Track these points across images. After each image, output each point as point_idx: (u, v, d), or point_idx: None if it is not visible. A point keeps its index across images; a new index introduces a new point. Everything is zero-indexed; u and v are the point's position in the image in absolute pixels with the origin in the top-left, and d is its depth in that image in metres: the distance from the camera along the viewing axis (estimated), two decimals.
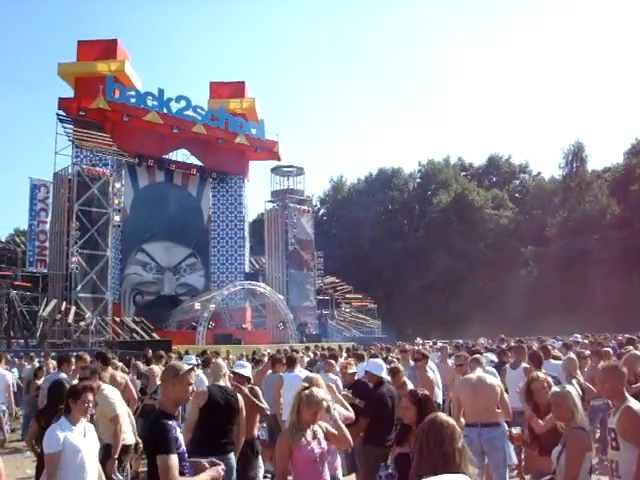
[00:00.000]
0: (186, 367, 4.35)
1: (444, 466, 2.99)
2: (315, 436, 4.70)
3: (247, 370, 7.76)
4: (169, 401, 4.29)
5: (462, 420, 7.30)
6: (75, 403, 5.06)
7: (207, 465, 4.29)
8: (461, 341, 28.44)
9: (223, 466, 4.36)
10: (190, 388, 4.32)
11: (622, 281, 51.29)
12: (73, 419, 5.08)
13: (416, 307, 62.71)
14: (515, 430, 5.74)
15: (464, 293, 61.49)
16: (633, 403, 5.01)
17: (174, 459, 3.99)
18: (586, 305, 50.90)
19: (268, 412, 7.74)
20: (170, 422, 4.12)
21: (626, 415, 4.81)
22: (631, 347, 10.19)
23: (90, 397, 5.14)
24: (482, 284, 63.26)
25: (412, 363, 10.39)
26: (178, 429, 4.19)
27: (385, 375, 7.60)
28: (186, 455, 4.21)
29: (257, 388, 7.82)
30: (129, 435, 7.57)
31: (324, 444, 4.74)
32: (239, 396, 6.68)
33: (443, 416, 3.27)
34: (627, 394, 5.20)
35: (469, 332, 45.61)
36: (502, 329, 39.58)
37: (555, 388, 5.05)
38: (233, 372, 7.57)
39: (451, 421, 3.17)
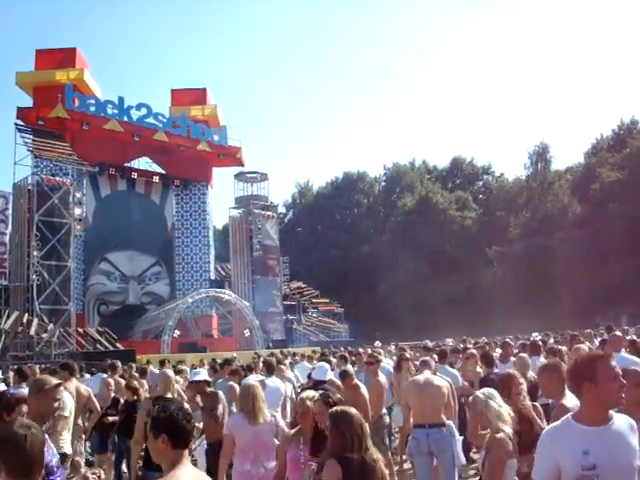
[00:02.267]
0: (54, 382, 4.29)
1: (359, 446, 3.84)
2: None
3: (202, 374, 7.79)
4: (34, 415, 4.23)
5: (411, 420, 7.39)
6: (9, 416, 4.99)
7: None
8: (429, 342, 28.60)
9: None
10: (56, 403, 4.27)
11: (585, 279, 51.96)
12: None
13: (384, 310, 62.84)
14: None
15: (431, 295, 61.75)
16: (568, 400, 5.07)
17: None
18: (550, 304, 51.50)
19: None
20: None
21: (558, 412, 4.90)
22: (580, 345, 10.36)
23: (25, 409, 5.05)
24: (449, 285, 63.61)
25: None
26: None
27: (329, 377, 7.72)
28: (56, 469, 4.15)
29: (219, 392, 7.84)
30: (67, 445, 7.36)
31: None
32: (185, 405, 6.67)
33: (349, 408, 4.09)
34: (567, 391, 5.25)
35: (438, 333, 45.85)
36: (470, 330, 39.95)
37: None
38: (190, 381, 7.62)
39: (356, 411, 4.05)
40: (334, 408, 4.16)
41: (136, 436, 6.66)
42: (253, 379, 10.80)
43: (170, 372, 7.35)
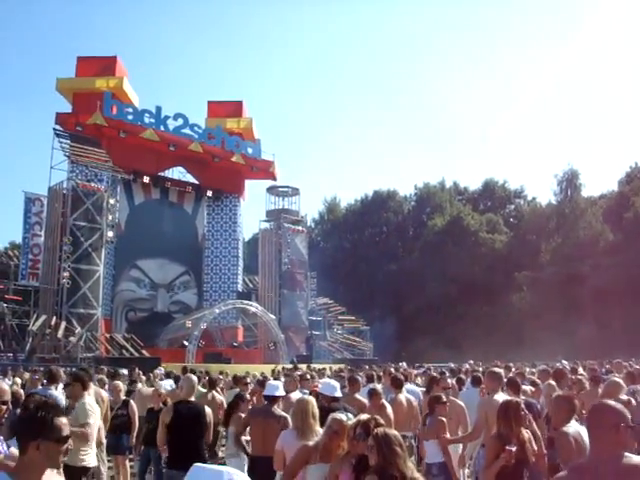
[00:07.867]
0: None
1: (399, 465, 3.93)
2: None
3: (280, 390, 7.30)
4: None
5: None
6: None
7: None
8: (452, 364, 28.42)
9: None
10: None
11: (615, 308, 51.22)
12: None
13: (410, 330, 62.43)
14: None
15: (458, 317, 61.32)
16: (571, 428, 5.14)
17: None
18: (579, 331, 50.81)
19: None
20: None
21: (559, 439, 5.08)
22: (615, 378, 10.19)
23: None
24: (476, 308, 63.03)
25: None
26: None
27: (338, 394, 7.49)
28: None
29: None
30: (92, 457, 7.08)
31: None
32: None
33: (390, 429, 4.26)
34: (573, 421, 5.31)
35: (463, 356, 45.46)
36: (496, 354, 39.55)
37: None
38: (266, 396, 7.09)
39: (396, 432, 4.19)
40: (378, 429, 4.16)
41: (158, 439, 6.69)
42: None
43: (194, 377, 7.27)
